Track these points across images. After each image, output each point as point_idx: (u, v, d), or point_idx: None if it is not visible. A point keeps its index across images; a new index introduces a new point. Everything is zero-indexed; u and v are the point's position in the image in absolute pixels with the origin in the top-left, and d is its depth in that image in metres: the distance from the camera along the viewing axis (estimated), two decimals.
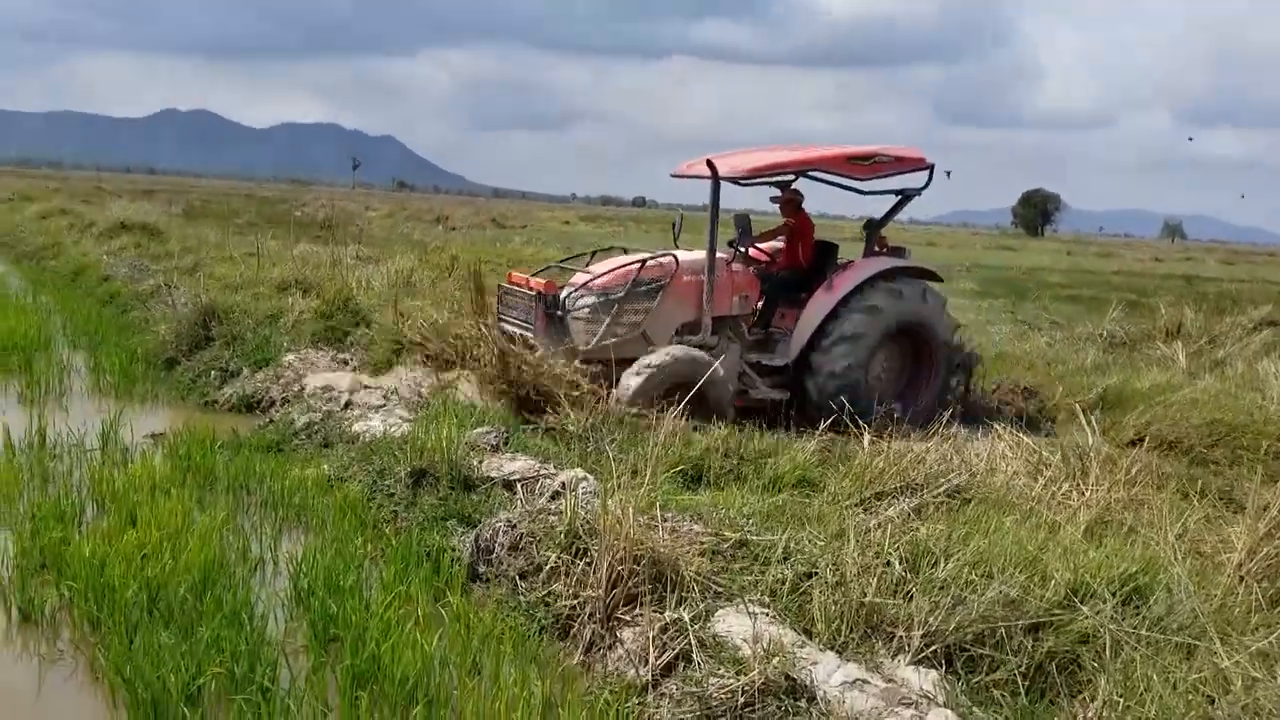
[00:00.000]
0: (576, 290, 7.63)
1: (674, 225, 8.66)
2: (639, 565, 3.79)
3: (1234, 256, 68.00)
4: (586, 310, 7.53)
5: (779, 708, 3.21)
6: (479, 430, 5.88)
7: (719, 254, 7.78)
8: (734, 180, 7.94)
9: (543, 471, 5.20)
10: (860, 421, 6.54)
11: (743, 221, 8.18)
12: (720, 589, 3.87)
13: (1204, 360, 12.63)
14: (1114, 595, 3.84)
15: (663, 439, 6.31)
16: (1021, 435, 7.03)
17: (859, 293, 7.95)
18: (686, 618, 3.63)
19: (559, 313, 7.56)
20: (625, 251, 8.69)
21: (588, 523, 4.13)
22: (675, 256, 7.90)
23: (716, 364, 7.28)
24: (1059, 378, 10.05)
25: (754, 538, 4.24)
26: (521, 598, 4.13)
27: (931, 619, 3.62)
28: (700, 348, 7.56)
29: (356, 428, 6.47)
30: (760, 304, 8.35)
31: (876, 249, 8.67)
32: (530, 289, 7.71)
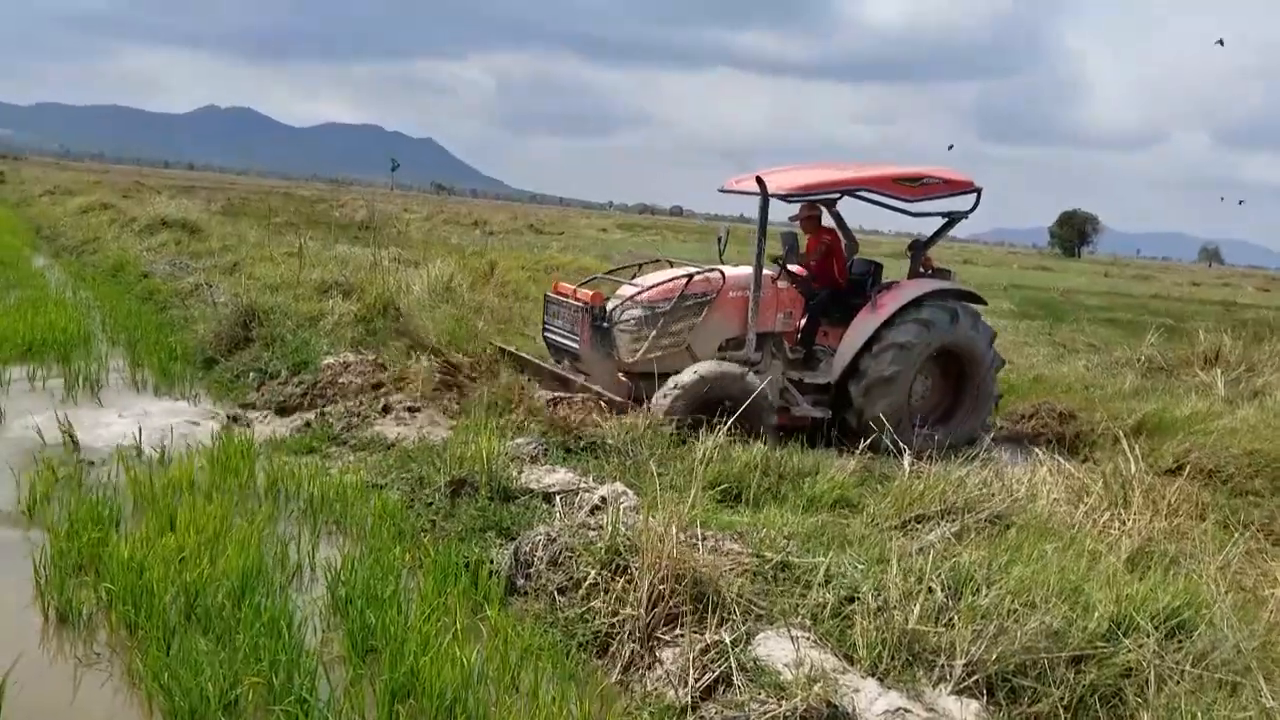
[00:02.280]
0: (623, 303, 7.65)
1: (719, 239, 8.69)
2: (680, 585, 3.78)
3: (1271, 283, 66.95)
4: (633, 323, 7.55)
5: None
6: (519, 440, 5.91)
7: (764, 270, 7.78)
8: (782, 197, 7.92)
9: (583, 485, 5.21)
10: (899, 442, 6.49)
11: (790, 239, 8.08)
12: (761, 611, 3.85)
13: (1243, 388, 12.44)
14: (1157, 628, 3.79)
15: (701, 455, 6.37)
16: (1062, 461, 6.96)
17: (904, 311, 7.95)
18: (728, 639, 3.61)
19: (605, 324, 7.58)
20: (671, 264, 8.71)
21: (628, 539, 4.13)
22: (722, 272, 7.93)
23: (749, 375, 7.32)
24: (1098, 402, 9.95)
25: (795, 560, 4.23)
26: (560, 613, 4.13)
27: (974, 648, 3.59)
28: (743, 364, 7.57)
29: (392, 433, 6.52)
30: (803, 321, 8.35)
31: (921, 270, 8.70)
32: (576, 300, 7.73)
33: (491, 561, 4.56)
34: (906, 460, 6.24)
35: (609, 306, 7.68)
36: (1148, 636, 3.70)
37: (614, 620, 3.93)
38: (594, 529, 4.48)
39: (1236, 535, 5.74)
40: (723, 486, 6.04)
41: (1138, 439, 8.85)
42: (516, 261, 21.49)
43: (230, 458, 5.86)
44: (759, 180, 7.67)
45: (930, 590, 3.95)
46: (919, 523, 5.54)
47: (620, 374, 7.53)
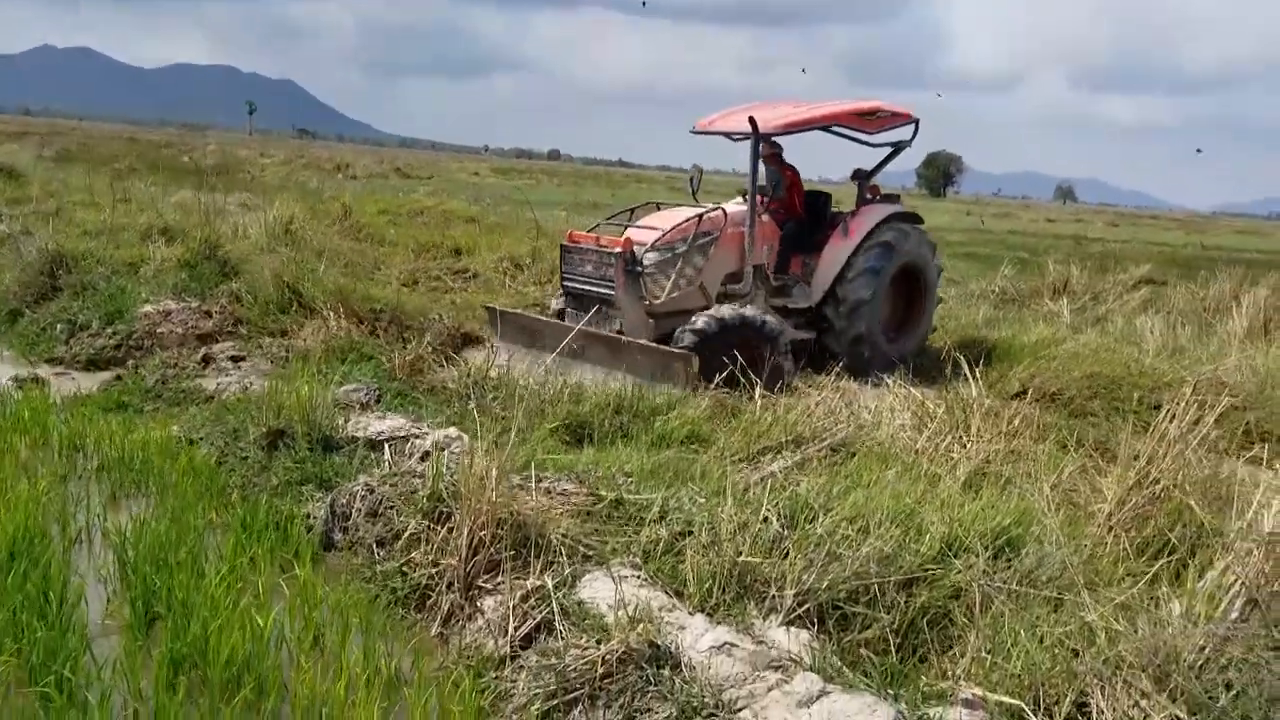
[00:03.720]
0: (648, 246, 7.79)
1: (691, 180, 9.08)
2: (502, 529, 3.54)
3: (1119, 219, 70.94)
4: (658, 264, 7.79)
5: (641, 677, 3.02)
6: (348, 387, 5.52)
7: (734, 207, 8.29)
8: (770, 135, 8.31)
9: (414, 431, 4.88)
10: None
11: (774, 175, 8.73)
12: (591, 552, 3.66)
13: (1088, 316, 13.01)
14: (987, 548, 3.77)
15: (552, 395, 6.13)
16: (910, 388, 7.03)
17: (870, 235, 8.55)
18: (550, 584, 3.41)
19: (639, 269, 7.72)
20: (659, 208, 9.01)
21: (452, 485, 3.85)
22: (723, 210, 8.28)
23: (769, 318, 7.72)
24: (950, 332, 10.17)
25: (631, 496, 4.04)
26: (378, 567, 3.84)
27: (805, 576, 3.49)
28: (740, 297, 8.04)
29: (212, 384, 6.02)
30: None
31: (869, 197, 9.13)
32: (607, 246, 7.86)
33: (307, 516, 4.21)
34: (758, 392, 6.19)
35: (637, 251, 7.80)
36: (977, 557, 3.67)
37: (434, 571, 3.67)
38: (418, 477, 4.19)
39: (1071, 454, 5.91)
40: (570, 425, 5.85)
41: (987, 366, 9.17)
42: (376, 205, 20.57)
43: (20, 417, 5.27)
44: (751, 120, 7.99)
45: (765, 521, 3.84)
46: (766, 455, 5.46)
47: (648, 317, 7.79)
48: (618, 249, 7.73)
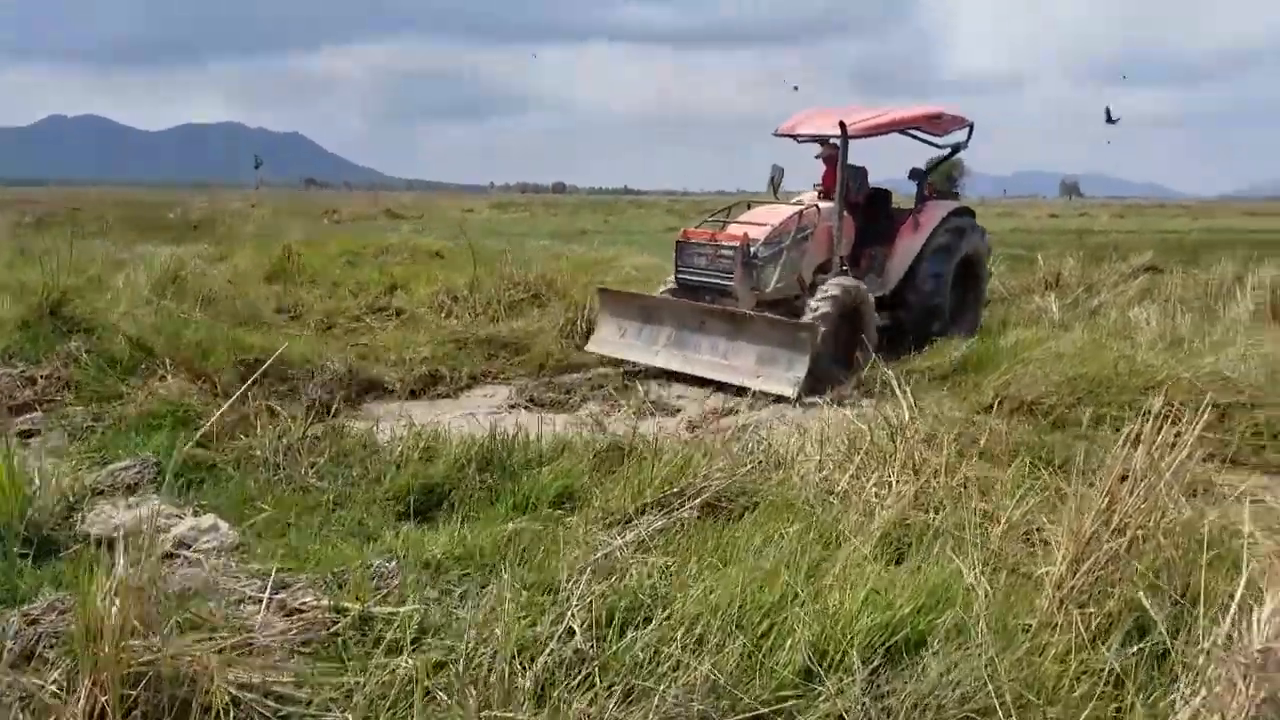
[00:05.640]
0: (760, 241, 8.41)
1: (772, 179, 9.54)
2: (140, 690, 2.43)
3: (1126, 210, 69.38)
4: (770, 256, 8.45)
5: None
6: (118, 465, 4.46)
7: (826, 204, 9.03)
8: (859, 135, 8.88)
9: (161, 522, 3.80)
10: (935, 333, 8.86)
11: (860, 174, 9.53)
12: (283, 713, 2.53)
13: (1080, 310, 11.85)
14: (872, 658, 2.66)
15: (400, 453, 5.08)
16: (844, 409, 5.91)
17: (938, 229, 9.36)
18: None
19: (756, 260, 8.35)
20: (750, 207, 9.49)
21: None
22: (816, 206, 9.02)
23: (862, 288, 8.56)
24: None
25: (381, 610, 2.94)
26: None
27: None
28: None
29: None
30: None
31: (927, 195, 9.85)
32: (725, 241, 8.47)
33: None
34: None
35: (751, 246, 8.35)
36: (852, 676, 2.55)
37: None
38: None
39: (1043, 477, 4.78)
40: (424, 492, 4.80)
41: (960, 375, 8.02)
42: (338, 246, 19.67)
43: None
44: (841, 124, 8.74)
45: (570, 634, 2.74)
46: (648, 513, 4.37)
47: (757, 305, 8.41)
48: (735, 243, 8.34)
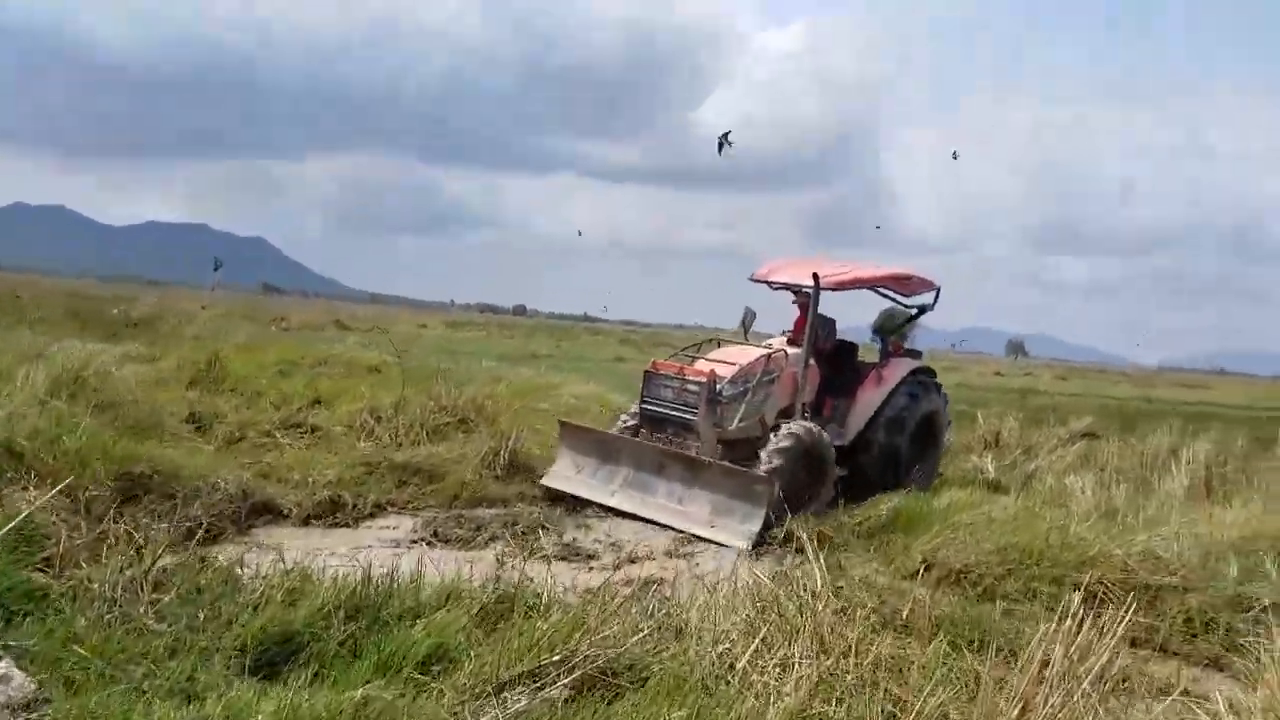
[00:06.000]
0: (726, 379, 8.51)
1: (743, 321, 9.80)
2: None
3: (1069, 372, 71.25)
4: (735, 395, 8.53)
5: None
6: None
7: (794, 350, 9.19)
8: (832, 288, 9.21)
9: None
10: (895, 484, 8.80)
11: (829, 324, 9.84)
12: None
13: (1017, 472, 11.71)
14: None
15: (260, 595, 4.56)
16: (763, 564, 5.50)
17: (899, 385, 9.55)
18: None
19: (721, 398, 8.40)
20: (719, 345, 9.70)
21: None
22: (785, 350, 9.19)
23: (823, 433, 8.60)
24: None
25: None
26: None
27: None
28: None
29: None
30: None
31: (891, 351, 10.13)
32: (692, 376, 8.55)
33: None
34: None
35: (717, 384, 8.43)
36: None
37: None
38: None
39: (954, 662, 4.40)
40: (281, 641, 4.27)
41: (890, 535, 7.69)
42: (276, 355, 19.14)
43: None
44: (815, 276, 9.02)
45: None
46: (532, 679, 3.89)
47: (718, 443, 8.40)
48: (703, 379, 8.42)
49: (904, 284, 9.89)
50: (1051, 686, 2.87)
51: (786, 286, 9.73)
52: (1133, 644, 5.82)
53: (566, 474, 8.68)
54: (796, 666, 3.77)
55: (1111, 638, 2.99)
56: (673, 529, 7.90)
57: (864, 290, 9.81)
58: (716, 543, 7.46)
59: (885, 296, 10.08)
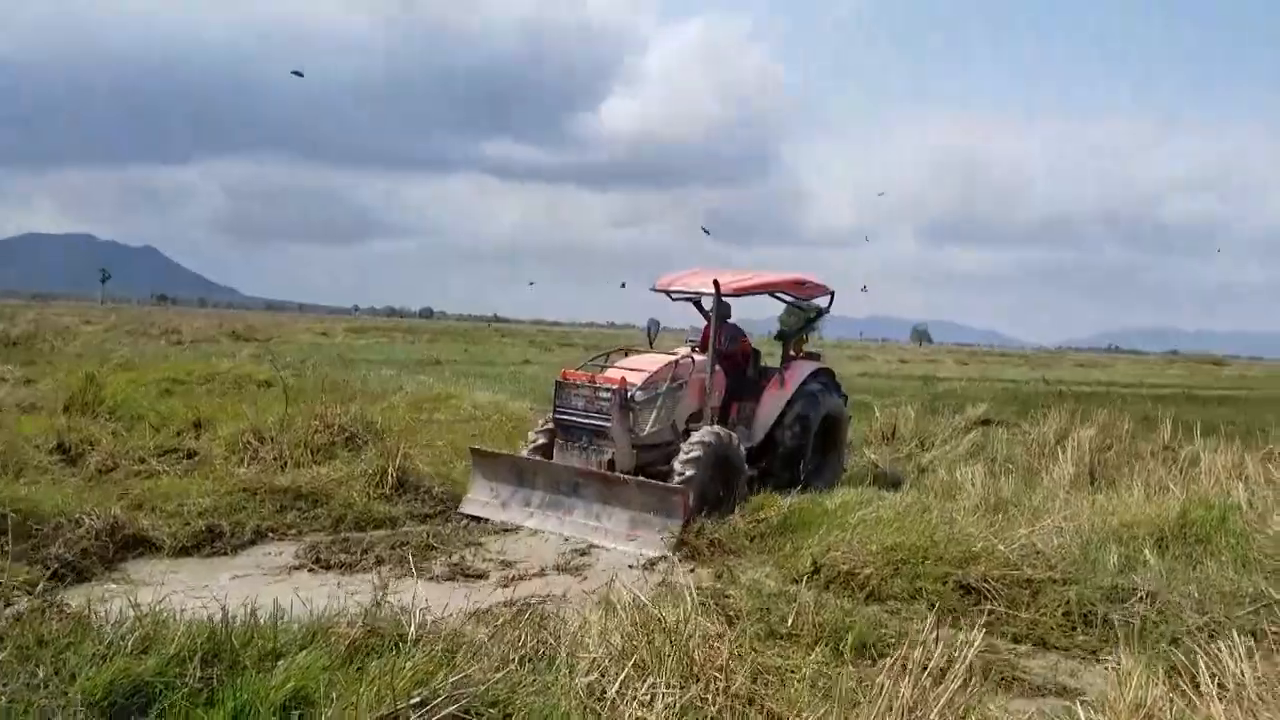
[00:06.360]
0: (638, 386, 8.71)
1: (648, 331, 10.11)
2: None
3: (970, 357, 73.65)
4: (647, 401, 8.73)
5: None
6: None
7: (700, 357, 9.53)
8: (732, 295, 9.59)
9: None
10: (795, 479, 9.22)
11: (736, 331, 10.20)
12: None
13: (911, 465, 11.91)
14: None
15: (109, 644, 4.26)
16: (647, 585, 5.40)
17: (801, 388, 9.95)
18: None
19: (633, 405, 8.59)
20: (627, 354, 9.89)
21: None
22: (691, 357, 9.49)
23: (734, 438, 8.83)
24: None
25: None
26: None
27: None
28: None
29: None
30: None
31: (793, 354, 10.56)
32: (604, 383, 8.65)
33: None
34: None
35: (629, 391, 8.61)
36: None
37: None
38: None
39: (835, 671, 4.37)
40: (129, 694, 3.99)
41: (782, 538, 7.69)
42: (160, 372, 18.30)
43: None
44: (715, 283, 9.35)
45: None
46: None
47: (633, 448, 8.58)
48: (614, 386, 8.55)
49: (800, 288, 10.26)
50: (922, 689, 2.83)
51: (687, 296, 10.02)
52: (1014, 640, 5.98)
53: (483, 499, 8.67)
54: (662, 695, 3.66)
55: (969, 648, 2.96)
56: (569, 542, 7.83)
57: (765, 294, 10.19)
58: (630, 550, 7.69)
59: (783, 301, 10.50)
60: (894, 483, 10.35)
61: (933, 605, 6.18)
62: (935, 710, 3.35)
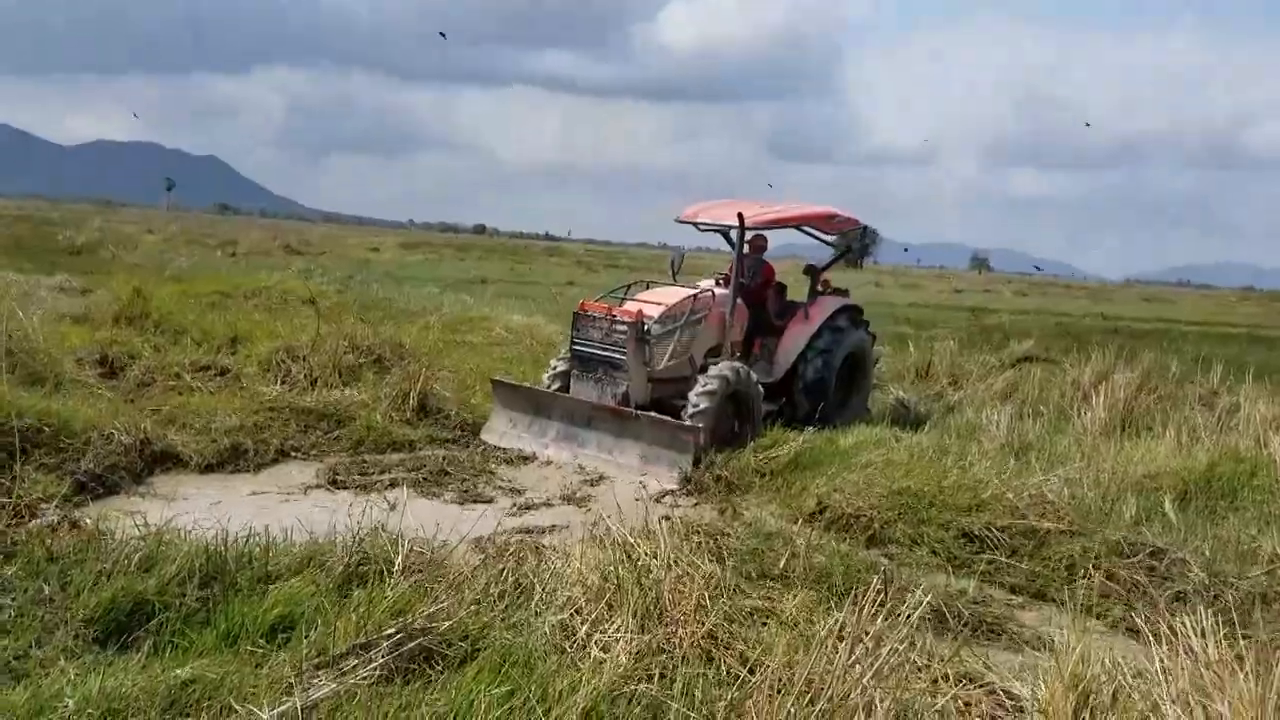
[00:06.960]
0: (655, 318, 8.72)
1: (672, 262, 10.18)
2: None
3: (1030, 288, 71.49)
4: (663, 334, 8.73)
5: None
6: None
7: (721, 290, 9.57)
8: (757, 229, 9.56)
9: None
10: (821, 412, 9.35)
11: (754, 264, 10.02)
12: None
13: (940, 404, 11.76)
14: None
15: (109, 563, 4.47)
16: (618, 523, 5.44)
17: (826, 323, 9.84)
18: None
19: (648, 337, 8.59)
20: (648, 286, 9.77)
21: None
22: (712, 291, 9.47)
23: (750, 372, 8.83)
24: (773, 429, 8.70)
25: None
26: None
27: None
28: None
29: None
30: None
31: (820, 289, 10.34)
32: (620, 316, 8.66)
33: None
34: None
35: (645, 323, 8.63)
36: None
37: None
38: None
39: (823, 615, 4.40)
40: (130, 612, 4.20)
41: (791, 475, 7.68)
42: (210, 285, 18.68)
43: None
44: (740, 216, 9.24)
45: None
46: (364, 653, 3.84)
47: (649, 381, 8.64)
48: (630, 319, 8.56)
49: (828, 223, 10.09)
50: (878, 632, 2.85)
51: (712, 227, 9.95)
52: (1012, 590, 5.95)
53: (502, 429, 8.83)
54: (626, 637, 3.74)
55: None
56: (581, 472, 7.97)
57: (792, 229, 10.02)
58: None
59: (810, 235, 10.27)
60: (917, 422, 10.22)
61: (934, 552, 6.20)
62: (886, 649, 3.36)
